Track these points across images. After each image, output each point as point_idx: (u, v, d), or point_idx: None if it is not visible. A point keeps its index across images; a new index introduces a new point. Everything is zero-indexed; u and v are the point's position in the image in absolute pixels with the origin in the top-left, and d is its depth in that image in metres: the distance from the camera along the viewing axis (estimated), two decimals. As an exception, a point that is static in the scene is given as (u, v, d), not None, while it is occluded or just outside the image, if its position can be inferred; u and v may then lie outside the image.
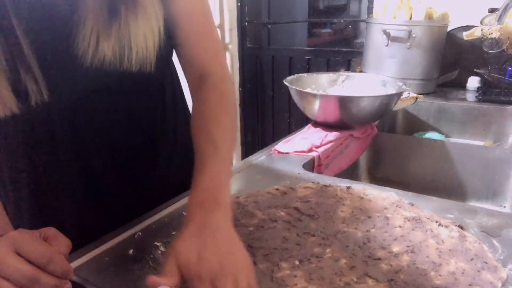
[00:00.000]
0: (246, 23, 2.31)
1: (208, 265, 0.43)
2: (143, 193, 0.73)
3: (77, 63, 0.57)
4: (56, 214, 0.69)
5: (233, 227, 0.49)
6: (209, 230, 0.47)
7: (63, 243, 0.48)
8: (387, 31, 1.39)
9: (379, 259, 0.55)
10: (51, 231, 0.48)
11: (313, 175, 0.84)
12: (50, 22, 0.57)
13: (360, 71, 1.58)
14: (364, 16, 1.92)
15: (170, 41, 0.66)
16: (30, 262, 0.43)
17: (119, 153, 0.69)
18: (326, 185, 0.77)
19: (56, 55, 0.57)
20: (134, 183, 0.72)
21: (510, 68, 1.35)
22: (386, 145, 1.21)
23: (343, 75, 1.23)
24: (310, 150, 0.94)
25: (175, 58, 0.72)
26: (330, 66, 2.05)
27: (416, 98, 1.35)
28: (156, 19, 0.59)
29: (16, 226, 0.57)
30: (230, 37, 2.30)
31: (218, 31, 2.23)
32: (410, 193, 0.74)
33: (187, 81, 0.68)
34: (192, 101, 0.66)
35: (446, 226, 0.62)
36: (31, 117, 0.61)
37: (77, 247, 0.58)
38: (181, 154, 0.78)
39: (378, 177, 1.24)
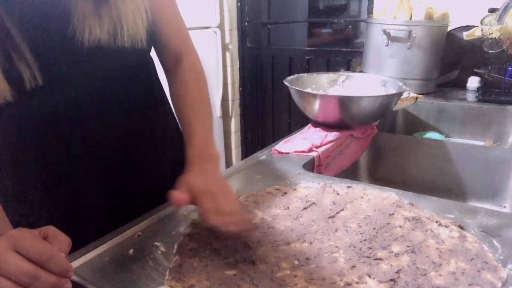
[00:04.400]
0: (246, 23, 2.31)
1: (206, 187, 0.60)
2: (147, 176, 0.77)
3: (75, 45, 0.61)
4: (65, 205, 0.70)
5: (220, 173, 0.67)
6: (206, 171, 0.64)
7: (63, 241, 0.48)
8: (387, 31, 1.39)
9: (380, 259, 0.55)
10: (50, 229, 0.48)
11: (313, 175, 0.84)
12: (43, 9, 0.59)
13: (360, 71, 1.58)
14: (364, 16, 1.92)
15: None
16: (30, 260, 0.43)
17: (122, 134, 0.72)
18: (326, 185, 0.77)
19: (54, 41, 0.61)
20: (139, 165, 0.76)
21: (510, 68, 1.35)
22: (386, 145, 1.21)
23: (343, 75, 1.23)
24: (310, 150, 0.94)
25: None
26: (330, 66, 2.05)
27: (416, 98, 1.35)
28: (141, 0, 0.66)
29: (17, 221, 0.58)
30: (230, 37, 2.30)
31: (218, 31, 2.25)
32: (410, 193, 0.74)
33: (163, 64, 0.79)
34: (170, 82, 0.78)
35: (446, 226, 0.62)
36: (34, 105, 0.63)
37: (85, 240, 0.59)
38: (172, 134, 0.84)
39: (378, 177, 1.24)
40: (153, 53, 0.78)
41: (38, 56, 0.59)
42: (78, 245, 0.57)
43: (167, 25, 0.75)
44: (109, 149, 0.71)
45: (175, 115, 0.77)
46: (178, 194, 0.60)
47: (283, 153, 0.94)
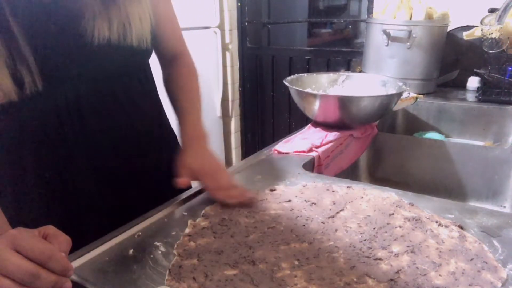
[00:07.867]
0: (246, 23, 2.31)
1: (204, 168, 0.73)
2: (146, 175, 0.78)
3: (85, 43, 0.64)
4: (63, 205, 0.70)
5: (211, 150, 0.77)
6: (199, 151, 0.76)
7: (63, 241, 0.47)
8: (387, 31, 1.39)
9: (379, 259, 0.55)
10: (50, 229, 0.48)
11: (313, 175, 0.84)
12: (50, 10, 0.61)
13: (360, 71, 1.58)
14: (364, 16, 1.93)
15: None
16: (30, 259, 0.43)
17: (122, 134, 0.73)
18: (326, 185, 0.77)
19: (62, 39, 0.62)
20: (139, 167, 0.76)
21: (510, 68, 1.35)
22: (386, 145, 1.21)
23: (343, 75, 1.23)
24: (310, 150, 0.94)
25: None
26: (330, 66, 2.05)
27: (416, 98, 1.35)
28: (145, 4, 0.71)
29: (15, 220, 0.58)
30: (230, 37, 2.30)
31: (218, 31, 2.25)
32: (410, 193, 0.74)
33: (160, 58, 0.86)
34: (166, 72, 0.87)
35: (446, 226, 0.62)
36: (35, 106, 0.63)
37: (85, 239, 0.59)
38: (168, 133, 0.87)
39: (378, 177, 1.24)
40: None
41: (40, 58, 0.59)
42: (78, 245, 0.57)
43: (166, 27, 0.82)
44: (109, 149, 0.71)
45: (168, 99, 0.85)
46: (182, 180, 0.70)
47: (283, 153, 0.94)
